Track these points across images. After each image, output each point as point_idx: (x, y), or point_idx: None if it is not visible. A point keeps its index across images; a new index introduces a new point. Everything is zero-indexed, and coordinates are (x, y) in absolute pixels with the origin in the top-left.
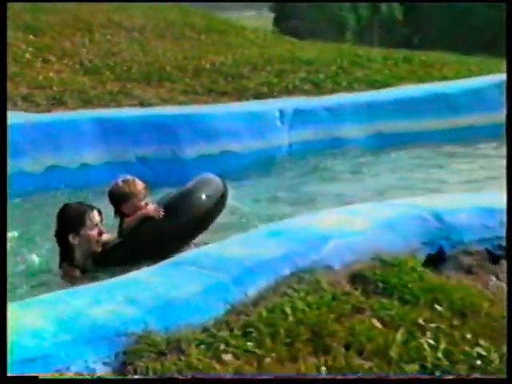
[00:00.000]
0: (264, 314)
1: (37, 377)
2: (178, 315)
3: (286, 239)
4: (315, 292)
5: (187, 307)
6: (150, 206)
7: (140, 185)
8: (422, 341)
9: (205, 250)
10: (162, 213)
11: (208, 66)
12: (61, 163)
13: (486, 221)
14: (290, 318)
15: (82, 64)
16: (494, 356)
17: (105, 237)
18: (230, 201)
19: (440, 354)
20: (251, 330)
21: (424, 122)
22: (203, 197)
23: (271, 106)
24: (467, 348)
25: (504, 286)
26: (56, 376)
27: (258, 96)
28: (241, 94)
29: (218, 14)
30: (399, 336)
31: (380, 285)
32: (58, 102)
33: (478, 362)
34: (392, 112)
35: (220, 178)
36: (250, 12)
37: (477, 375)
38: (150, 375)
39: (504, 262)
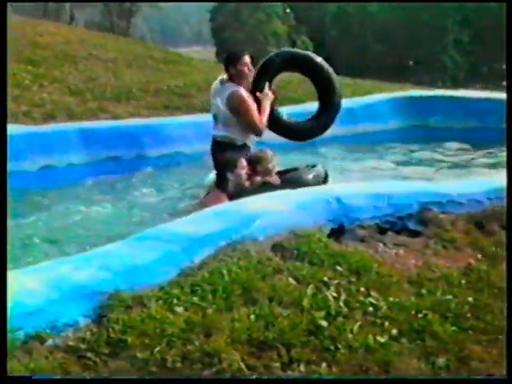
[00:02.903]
0: (206, 275)
1: (37, 378)
2: (141, 278)
3: (223, 219)
4: (245, 258)
5: (148, 271)
6: (274, 177)
7: (269, 152)
8: (327, 294)
9: (161, 227)
10: (279, 182)
11: (165, 88)
12: (52, 163)
13: (376, 203)
14: (226, 278)
15: (69, 87)
16: (382, 304)
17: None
18: None
19: (341, 304)
20: (197, 288)
21: (330, 129)
22: (311, 177)
23: None
24: (362, 298)
25: (388, 250)
26: (55, 377)
27: (203, 110)
28: (190, 109)
29: (172, 48)
30: (309, 290)
31: (294, 252)
32: (50, 117)
33: (370, 309)
34: None
35: (323, 167)
36: (197, 47)
37: (372, 319)
38: (120, 324)
39: (390, 233)
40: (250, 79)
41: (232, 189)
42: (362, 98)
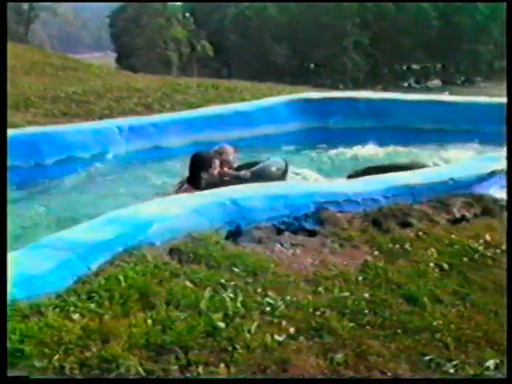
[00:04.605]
0: (103, 282)
1: (37, 378)
2: (38, 286)
3: (119, 224)
4: (142, 263)
5: (44, 280)
6: (243, 171)
7: (229, 147)
8: (224, 295)
9: (57, 235)
10: (248, 175)
11: (63, 95)
12: None
13: (272, 204)
14: (123, 284)
15: None
16: (280, 303)
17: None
18: None
19: (239, 304)
20: (94, 294)
21: (229, 133)
22: (274, 169)
23: (112, 124)
24: (259, 298)
25: (285, 250)
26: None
27: (102, 117)
28: (89, 116)
29: (71, 55)
30: (207, 293)
31: (191, 255)
32: None
33: (268, 309)
34: (204, 126)
35: (284, 160)
36: (98, 53)
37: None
38: (17, 334)
39: (286, 233)
40: None
41: (203, 186)
42: (259, 101)
